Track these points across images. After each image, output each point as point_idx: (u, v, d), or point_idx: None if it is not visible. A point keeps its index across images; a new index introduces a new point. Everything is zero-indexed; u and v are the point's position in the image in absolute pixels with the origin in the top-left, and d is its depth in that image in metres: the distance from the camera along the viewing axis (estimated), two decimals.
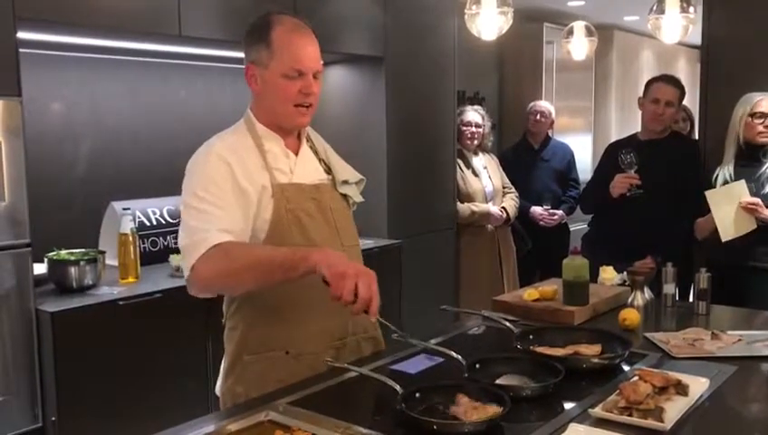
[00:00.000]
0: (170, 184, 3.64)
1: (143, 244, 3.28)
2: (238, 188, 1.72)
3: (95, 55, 3.34)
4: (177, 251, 3.33)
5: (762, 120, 3.00)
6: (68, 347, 2.64)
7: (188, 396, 2.98)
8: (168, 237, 3.44)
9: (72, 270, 2.84)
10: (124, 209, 3.09)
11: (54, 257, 2.88)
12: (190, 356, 3.03)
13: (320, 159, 1.96)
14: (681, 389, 1.62)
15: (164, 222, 3.45)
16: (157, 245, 3.39)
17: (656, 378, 1.61)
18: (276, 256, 1.64)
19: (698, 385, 1.66)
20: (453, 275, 4.37)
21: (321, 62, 1.82)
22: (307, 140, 1.96)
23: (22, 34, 2.62)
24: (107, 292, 2.84)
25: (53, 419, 2.62)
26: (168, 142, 3.66)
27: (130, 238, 3.02)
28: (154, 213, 3.43)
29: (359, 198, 2.00)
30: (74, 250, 2.96)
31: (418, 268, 4.12)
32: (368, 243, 3.74)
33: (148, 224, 3.37)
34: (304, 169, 1.87)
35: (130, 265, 3.02)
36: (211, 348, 3.09)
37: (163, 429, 1.51)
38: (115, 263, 3.05)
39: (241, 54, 3.99)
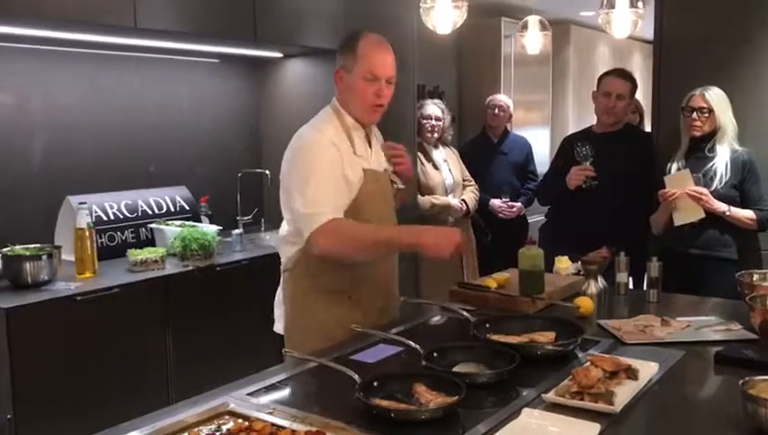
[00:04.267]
0: (127, 178, 3.62)
1: (100, 238, 3.24)
2: (343, 173, 2.08)
3: (49, 47, 3.28)
4: (134, 245, 3.31)
5: (691, 114, 3.08)
6: (23, 343, 2.60)
7: (147, 391, 2.96)
8: (126, 232, 3.40)
9: (27, 265, 2.80)
10: (80, 204, 3.05)
11: (9, 253, 2.83)
12: (149, 351, 3.01)
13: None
14: (631, 373, 1.67)
15: (121, 216, 3.41)
16: (114, 239, 3.35)
17: (606, 363, 1.66)
18: (385, 238, 2.07)
19: (648, 369, 1.72)
20: (414, 266, 4.39)
21: (395, 71, 2.21)
22: None
23: None
24: (63, 287, 2.81)
25: (8, 416, 2.58)
26: (124, 136, 3.62)
27: (87, 233, 2.98)
28: (111, 207, 3.39)
29: (400, 185, 2.39)
30: (29, 245, 2.91)
31: None
32: None
33: (105, 218, 3.33)
34: (377, 157, 2.25)
35: (87, 260, 2.98)
36: (170, 342, 3.07)
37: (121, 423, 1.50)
38: (72, 258, 3.00)
39: (199, 47, 3.95)
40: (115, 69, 3.58)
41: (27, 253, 2.84)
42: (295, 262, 2.17)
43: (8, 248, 2.86)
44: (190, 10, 3.22)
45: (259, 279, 3.13)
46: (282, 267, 2.24)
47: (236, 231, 3.60)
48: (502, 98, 4.94)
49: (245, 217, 4.04)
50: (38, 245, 2.95)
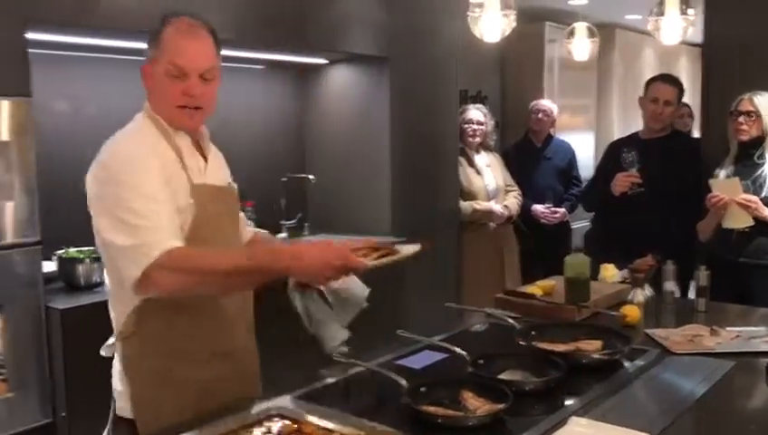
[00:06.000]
0: None
1: None
2: (169, 188, 1.65)
3: (104, 55, 3.36)
4: None
5: (738, 118, 3.03)
6: (77, 343, 2.67)
7: None
8: None
9: (81, 268, 2.89)
10: None
11: (64, 255, 2.92)
12: None
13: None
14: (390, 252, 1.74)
15: None
16: None
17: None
18: (249, 266, 1.59)
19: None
20: (456, 272, 4.40)
21: (216, 65, 1.82)
22: None
23: (31, 35, 2.64)
24: None
25: (63, 414, 2.66)
26: None
27: None
28: None
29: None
30: (83, 248, 2.99)
31: (421, 266, 4.14)
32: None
33: None
34: (215, 170, 1.82)
35: None
36: None
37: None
38: None
39: (245, 54, 3.98)
40: None
41: (81, 256, 2.92)
42: (135, 326, 1.68)
43: (63, 251, 2.95)
44: (246, 19, 3.27)
45: None
46: (114, 336, 1.77)
47: (281, 235, 3.65)
48: (545, 102, 4.92)
49: (290, 222, 4.10)
50: (91, 247, 3.02)
